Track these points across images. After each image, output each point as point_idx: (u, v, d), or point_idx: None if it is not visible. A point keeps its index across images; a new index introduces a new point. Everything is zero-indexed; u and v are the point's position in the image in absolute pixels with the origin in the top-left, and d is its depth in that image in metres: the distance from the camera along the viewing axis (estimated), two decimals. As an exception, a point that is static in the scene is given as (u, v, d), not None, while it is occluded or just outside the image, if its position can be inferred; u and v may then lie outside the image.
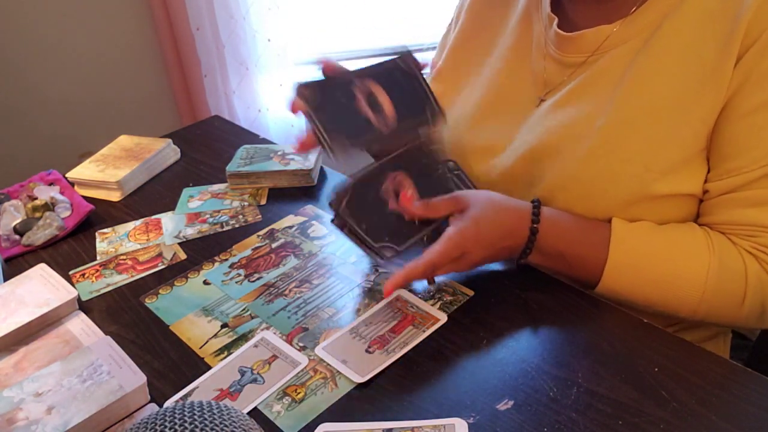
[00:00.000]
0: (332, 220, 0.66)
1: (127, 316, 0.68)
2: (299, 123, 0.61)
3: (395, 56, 0.67)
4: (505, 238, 0.63)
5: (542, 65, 0.71)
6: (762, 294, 0.61)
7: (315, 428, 0.52)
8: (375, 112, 0.63)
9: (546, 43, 0.71)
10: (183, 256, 0.76)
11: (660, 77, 0.62)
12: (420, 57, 0.70)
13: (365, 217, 0.61)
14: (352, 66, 0.66)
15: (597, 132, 0.64)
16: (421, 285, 0.67)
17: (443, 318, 0.62)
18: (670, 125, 0.61)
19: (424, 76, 0.68)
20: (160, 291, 0.71)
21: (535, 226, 0.62)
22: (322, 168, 0.92)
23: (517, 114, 0.72)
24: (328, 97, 0.62)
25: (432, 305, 0.64)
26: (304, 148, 0.65)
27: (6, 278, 0.73)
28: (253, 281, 0.71)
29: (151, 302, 0.69)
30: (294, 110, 0.63)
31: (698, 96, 0.60)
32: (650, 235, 0.63)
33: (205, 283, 0.71)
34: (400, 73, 0.65)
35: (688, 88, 0.61)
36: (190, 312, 0.67)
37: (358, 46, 1.85)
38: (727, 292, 0.61)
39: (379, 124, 0.63)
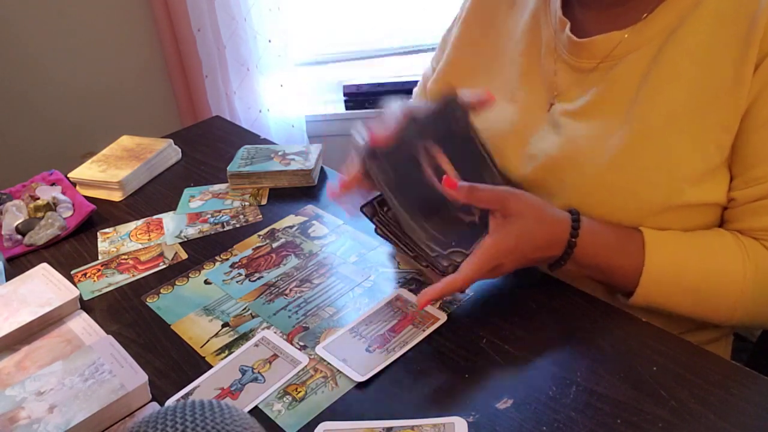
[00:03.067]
0: (362, 207, 0.65)
1: (128, 316, 0.68)
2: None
3: (446, 106, 0.64)
4: (541, 250, 0.62)
5: (552, 69, 0.70)
6: None
7: (315, 427, 0.53)
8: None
9: (556, 47, 0.70)
10: (184, 255, 0.77)
11: (677, 84, 0.61)
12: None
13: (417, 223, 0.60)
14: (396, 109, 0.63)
15: (618, 143, 0.63)
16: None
17: (443, 317, 0.62)
18: (692, 132, 0.61)
19: (471, 121, 0.65)
20: (162, 290, 0.71)
21: (573, 240, 0.61)
22: (322, 168, 0.93)
23: (529, 118, 0.71)
24: (399, 174, 0.59)
25: (432, 305, 0.64)
26: (346, 188, 0.64)
27: (8, 278, 0.74)
28: (254, 281, 0.71)
29: (152, 302, 0.70)
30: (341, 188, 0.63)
31: (717, 102, 0.60)
32: (684, 242, 0.62)
33: (206, 282, 0.72)
34: (458, 132, 0.63)
35: (706, 94, 0.60)
36: (191, 311, 0.67)
37: (358, 47, 1.85)
38: (765, 297, 0.61)
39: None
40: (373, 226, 0.66)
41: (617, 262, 0.63)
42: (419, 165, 0.61)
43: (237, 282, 0.71)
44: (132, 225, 0.84)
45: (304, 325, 0.64)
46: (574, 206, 0.64)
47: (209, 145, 1.04)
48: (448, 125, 0.63)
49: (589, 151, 0.65)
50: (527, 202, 0.61)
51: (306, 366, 0.59)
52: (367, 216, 0.65)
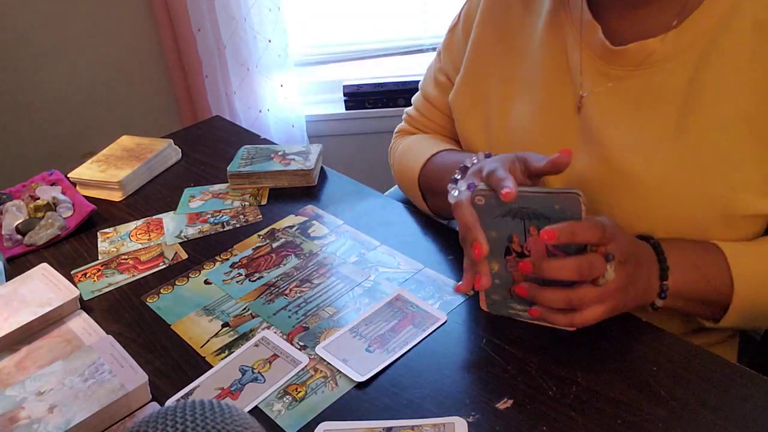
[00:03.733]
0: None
1: (128, 316, 0.68)
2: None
3: (565, 200, 0.53)
4: (646, 275, 0.59)
5: (578, 69, 0.68)
6: None
7: (315, 427, 0.53)
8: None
9: (582, 50, 0.68)
10: (184, 255, 0.77)
11: (725, 93, 0.60)
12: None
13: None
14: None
15: (672, 155, 0.61)
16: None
17: (443, 318, 0.62)
18: (748, 142, 0.60)
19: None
20: (162, 290, 0.71)
21: (665, 266, 0.59)
22: (322, 168, 0.93)
23: (560, 124, 0.69)
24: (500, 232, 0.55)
25: (432, 305, 0.64)
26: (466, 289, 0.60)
27: (8, 278, 0.74)
28: (254, 281, 0.71)
29: (152, 302, 0.70)
30: (476, 254, 0.55)
31: (766, 109, 0.59)
32: (759, 251, 0.62)
33: (206, 282, 0.72)
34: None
35: (754, 102, 0.59)
36: (191, 311, 0.67)
37: (358, 47, 1.85)
38: None
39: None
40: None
41: (705, 276, 0.61)
42: (510, 239, 0.56)
43: (237, 282, 0.71)
44: (132, 225, 0.84)
45: (304, 325, 0.64)
46: (632, 222, 0.62)
47: (209, 145, 1.04)
48: (553, 217, 0.54)
49: (638, 163, 0.63)
50: (618, 228, 0.56)
51: (306, 366, 0.59)
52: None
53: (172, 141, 1.00)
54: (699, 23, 0.62)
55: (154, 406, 0.57)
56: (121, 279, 0.74)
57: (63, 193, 0.90)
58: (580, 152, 0.67)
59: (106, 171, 0.92)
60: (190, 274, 0.73)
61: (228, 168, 0.90)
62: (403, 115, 0.94)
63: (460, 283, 0.61)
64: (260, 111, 1.74)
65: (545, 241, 0.52)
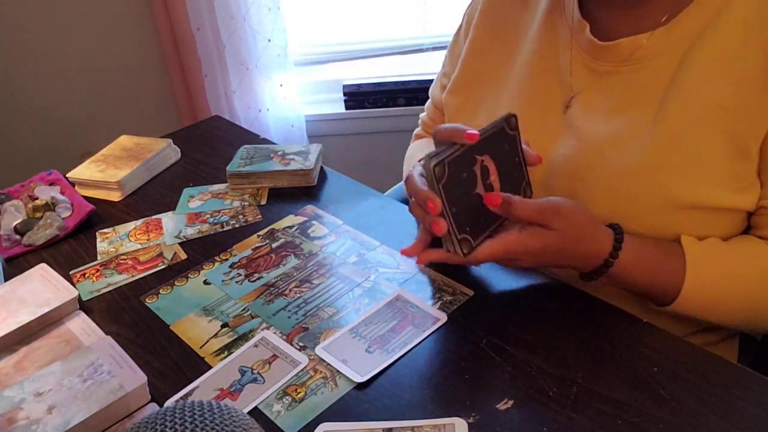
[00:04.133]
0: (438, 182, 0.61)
1: (127, 316, 0.68)
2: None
3: (505, 123, 0.62)
4: (569, 261, 0.61)
5: (568, 70, 0.70)
6: None
7: (315, 428, 0.53)
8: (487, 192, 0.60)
9: (573, 48, 0.69)
10: (183, 256, 0.77)
11: (705, 90, 0.61)
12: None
13: (455, 200, 0.58)
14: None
15: (646, 145, 0.62)
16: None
17: (443, 318, 0.62)
18: (721, 138, 0.60)
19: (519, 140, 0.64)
20: (161, 291, 0.71)
21: (611, 260, 0.61)
22: (322, 168, 0.93)
23: (546, 120, 0.71)
24: (454, 181, 0.57)
25: (432, 305, 0.64)
26: (416, 254, 0.60)
27: (7, 278, 0.73)
28: (254, 281, 0.71)
29: (151, 302, 0.69)
30: (431, 208, 0.56)
31: (745, 109, 0.60)
32: (722, 253, 0.62)
33: (206, 282, 0.71)
34: (507, 146, 0.62)
35: (734, 100, 0.60)
36: (190, 312, 0.67)
37: (358, 46, 1.85)
38: None
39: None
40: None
41: (655, 280, 0.62)
42: (474, 178, 0.59)
43: (236, 282, 0.71)
44: (131, 225, 0.84)
45: (303, 326, 0.64)
46: (602, 212, 0.63)
47: (208, 145, 1.04)
48: (502, 139, 0.62)
49: (614, 153, 0.64)
50: (570, 220, 0.59)
51: (306, 367, 0.59)
52: (435, 176, 0.57)
53: (171, 141, 1.00)
54: (688, 21, 0.62)
55: (153, 407, 0.57)
56: (120, 279, 0.73)
57: (62, 193, 0.90)
58: (562, 147, 0.68)
59: (105, 171, 0.92)
60: (189, 275, 0.73)
61: (227, 168, 0.89)
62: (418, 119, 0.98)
63: (408, 246, 0.61)
64: (260, 111, 1.74)
65: (487, 203, 0.59)
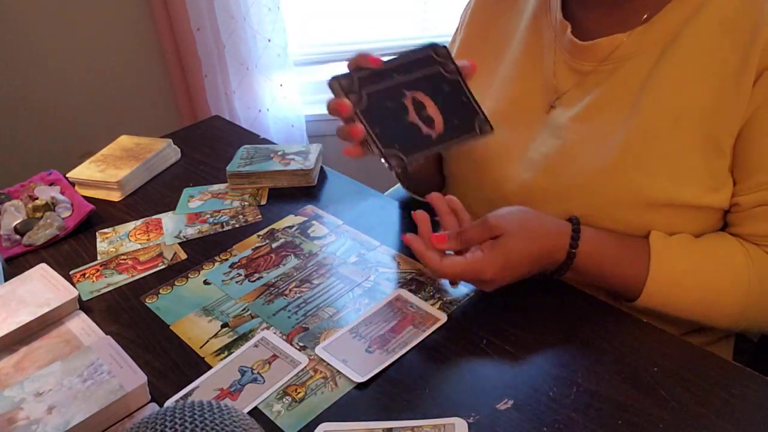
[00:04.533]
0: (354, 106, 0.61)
1: (127, 316, 0.68)
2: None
3: (429, 50, 0.62)
4: (537, 264, 0.62)
5: (552, 71, 0.70)
6: None
7: (315, 428, 0.53)
8: (425, 124, 0.60)
9: (556, 50, 0.70)
10: (183, 256, 0.77)
11: (681, 88, 0.61)
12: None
13: (379, 122, 0.59)
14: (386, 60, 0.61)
15: (619, 143, 0.63)
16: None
17: (443, 318, 0.62)
18: (694, 136, 0.61)
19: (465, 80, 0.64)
20: (161, 291, 0.71)
21: (572, 251, 0.61)
22: (322, 168, 0.93)
23: (529, 120, 0.71)
24: (374, 105, 0.59)
25: (432, 305, 0.64)
26: (353, 153, 0.61)
27: (7, 278, 0.73)
28: (254, 281, 0.71)
29: (151, 302, 0.69)
30: (341, 111, 0.58)
31: (720, 107, 0.60)
32: (689, 252, 0.62)
33: (206, 282, 0.71)
34: (444, 80, 0.62)
35: (709, 98, 0.60)
36: (190, 312, 0.67)
37: (358, 46, 1.85)
38: (767, 304, 0.61)
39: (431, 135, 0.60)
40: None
41: (620, 271, 0.63)
42: (404, 109, 0.60)
43: (236, 282, 0.71)
44: (131, 225, 0.84)
45: (303, 326, 0.64)
46: (577, 208, 0.64)
47: (208, 145, 1.04)
48: (435, 73, 0.62)
49: (589, 152, 0.65)
50: (516, 221, 0.61)
51: (306, 367, 0.59)
52: (342, 88, 0.59)
53: (171, 141, 1.00)
54: (667, 19, 0.63)
55: (153, 407, 0.57)
56: (120, 279, 0.73)
57: (62, 193, 0.90)
58: (542, 146, 0.69)
59: (105, 171, 0.92)
60: (189, 275, 0.73)
61: (227, 168, 0.89)
62: None
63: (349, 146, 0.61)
64: (260, 111, 1.74)
65: (436, 244, 0.62)
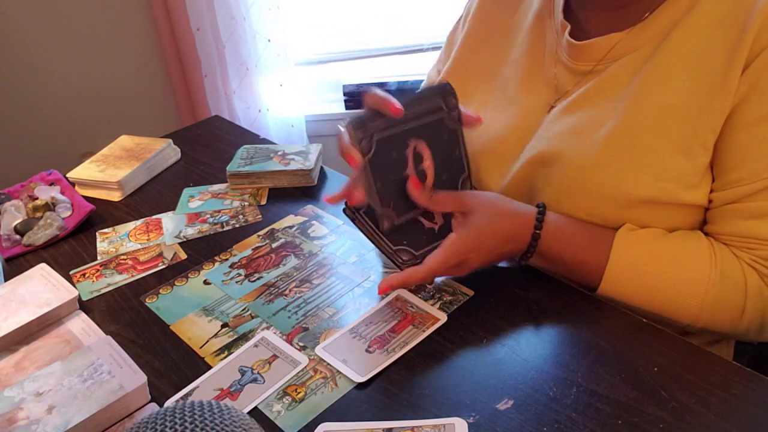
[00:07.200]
0: (344, 210, 0.66)
1: (127, 316, 0.68)
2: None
3: (440, 99, 0.63)
4: (506, 244, 0.63)
5: (553, 72, 0.71)
6: (762, 307, 0.61)
7: (315, 428, 0.53)
8: (420, 177, 0.63)
9: (558, 50, 0.71)
10: (183, 256, 0.77)
11: (669, 84, 0.61)
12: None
13: (381, 176, 0.61)
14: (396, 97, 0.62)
15: (604, 139, 0.63)
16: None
17: (443, 318, 0.62)
18: (680, 134, 0.61)
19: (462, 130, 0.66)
20: (161, 291, 0.71)
21: (537, 232, 0.63)
22: (322, 168, 0.93)
23: (529, 121, 0.72)
24: (381, 153, 0.60)
25: (432, 305, 0.64)
26: (334, 200, 0.65)
27: (7, 278, 0.73)
28: (254, 281, 0.71)
29: (151, 302, 0.69)
30: (350, 164, 0.60)
31: (707, 104, 0.60)
32: (654, 243, 0.62)
33: (206, 282, 0.71)
34: (445, 129, 0.64)
35: (696, 96, 0.60)
36: (190, 312, 0.67)
37: (358, 46, 1.85)
38: (727, 304, 0.61)
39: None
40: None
41: (582, 257, 0.64)
42: (404, 161, 0.62)
43: (236, 282, 0.71)
44: (131, 225, 0.84)
45: (303, 326, 0.64)
46: (560, 200, 0.66)
47: (208, 145, 1.04)
48: (439, 122, 0.64)
49: (574, 145, 0.66)
50: (485, 200, 0.64)
51: (306, 367, 0.59)
52: (348, 215, 0.66)
53: (171, 141, 1.00)
54: (662, 18, 0.63)
55: (153, 407, 0.57)
56: (120, 279, 0.73)
57: (62, 193, 0.90)
58: (536, 140, 0.70)
59: (105, 171, 0.92)
60: (189, 275, 0.73)
61: (227, 168, 0.89)
62: None
63: (332, 194, 0.65)
64: (260, 111, 1.74)
65: (411, 185, 0.62)
